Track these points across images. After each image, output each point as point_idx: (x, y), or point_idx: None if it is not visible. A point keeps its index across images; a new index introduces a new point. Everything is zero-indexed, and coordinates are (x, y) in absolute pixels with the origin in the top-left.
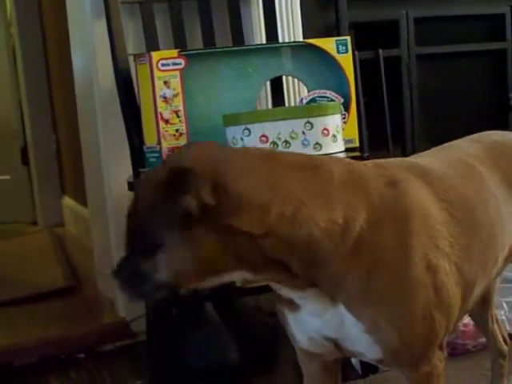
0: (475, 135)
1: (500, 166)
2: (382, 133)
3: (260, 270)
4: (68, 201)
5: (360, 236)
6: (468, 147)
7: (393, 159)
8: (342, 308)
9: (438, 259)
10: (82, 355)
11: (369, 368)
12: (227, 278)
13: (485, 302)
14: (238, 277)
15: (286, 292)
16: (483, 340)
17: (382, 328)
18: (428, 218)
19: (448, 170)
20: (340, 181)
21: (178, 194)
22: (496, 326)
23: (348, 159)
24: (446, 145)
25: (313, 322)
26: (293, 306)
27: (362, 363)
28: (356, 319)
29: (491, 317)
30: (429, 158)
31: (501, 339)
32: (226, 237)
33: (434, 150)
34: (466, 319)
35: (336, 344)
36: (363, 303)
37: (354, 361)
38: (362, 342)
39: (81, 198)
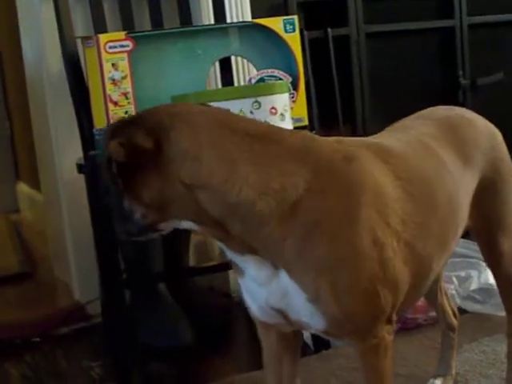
0: (423, 112)
1: (453, 143)
2: (332, 112)
3: (202, 223)
4: (23, 187)
5: (298, 203)
6: (421, 126)
7: (357, 138)
8: (284, 276)
9: (386, 236)
10: (38, 339)
11: (321, 344)
12: (180, 224)
13: None
14: (187, 226)
15: (228, 253)
16: (434, 314)
17: (323, 297)
18: (380, 195)
19: (407, 149)
20: (287, 151)
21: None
22: (445, 300)
23: (312, 134)
24: (397, 124)
25: (260, 291)
26: (239, 270)
27: (315, 339)
28: (299, 287)
29: (440, 290)
30: (389, 139)
31: (450, 313)
32: (170, 184)
33: (389, 130)
34: None
35: (283, 315)
36: (303, 270)
37: (306, 336)
38: (305, 312)
39: (35, 183)
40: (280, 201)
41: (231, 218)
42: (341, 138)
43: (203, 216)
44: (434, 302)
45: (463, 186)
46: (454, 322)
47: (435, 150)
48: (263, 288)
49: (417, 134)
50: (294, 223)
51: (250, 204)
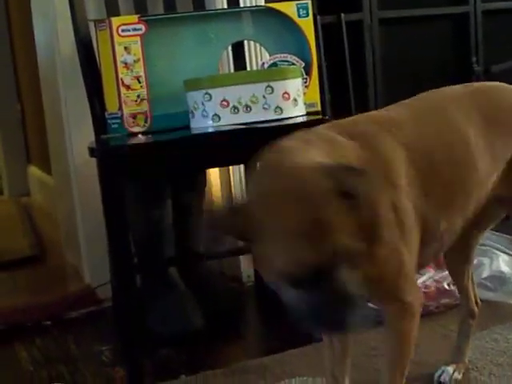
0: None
1: (482, 108)
2: (345, 97)
3: None
4: (34, 170)
5: None
6: (449, 90)
7: (365, 114)
8: None
9: (400, 197)
10: (48, 322)
11: None
12: None
13: (464, 256)
14: None
15: None
16: (445, 301)
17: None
18: (389, 162)
19: (414, 115)
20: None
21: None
22: (470, 285)
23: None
24: (433, 90)
25: None
26: None
27: None
28: None
29: (467, 272)
30: (401, 108)
31: (473, 299)
32: None
33: (414, 98)
34: (428, 281)
35: None
36: None
37: None
38: None
39: (46, 166)
40: None
41: None
42: (348, 119)
43: None
44: (460, 284)
45: (485, 151)
46: (475, 309)
47: (451, 114)
48: None
49: (437, 98)
50: None
51: None
